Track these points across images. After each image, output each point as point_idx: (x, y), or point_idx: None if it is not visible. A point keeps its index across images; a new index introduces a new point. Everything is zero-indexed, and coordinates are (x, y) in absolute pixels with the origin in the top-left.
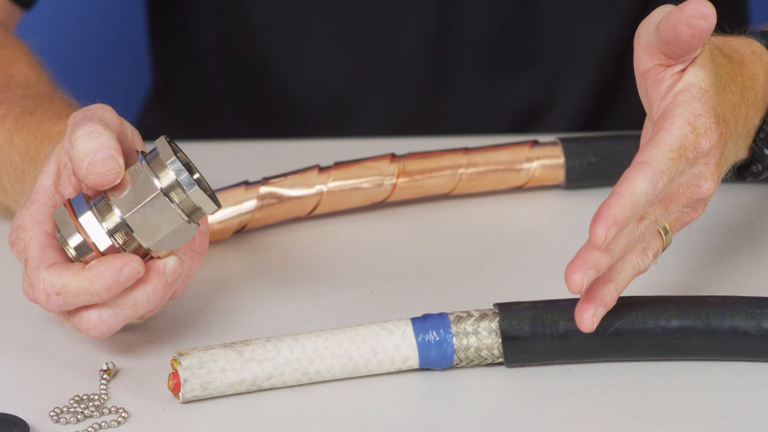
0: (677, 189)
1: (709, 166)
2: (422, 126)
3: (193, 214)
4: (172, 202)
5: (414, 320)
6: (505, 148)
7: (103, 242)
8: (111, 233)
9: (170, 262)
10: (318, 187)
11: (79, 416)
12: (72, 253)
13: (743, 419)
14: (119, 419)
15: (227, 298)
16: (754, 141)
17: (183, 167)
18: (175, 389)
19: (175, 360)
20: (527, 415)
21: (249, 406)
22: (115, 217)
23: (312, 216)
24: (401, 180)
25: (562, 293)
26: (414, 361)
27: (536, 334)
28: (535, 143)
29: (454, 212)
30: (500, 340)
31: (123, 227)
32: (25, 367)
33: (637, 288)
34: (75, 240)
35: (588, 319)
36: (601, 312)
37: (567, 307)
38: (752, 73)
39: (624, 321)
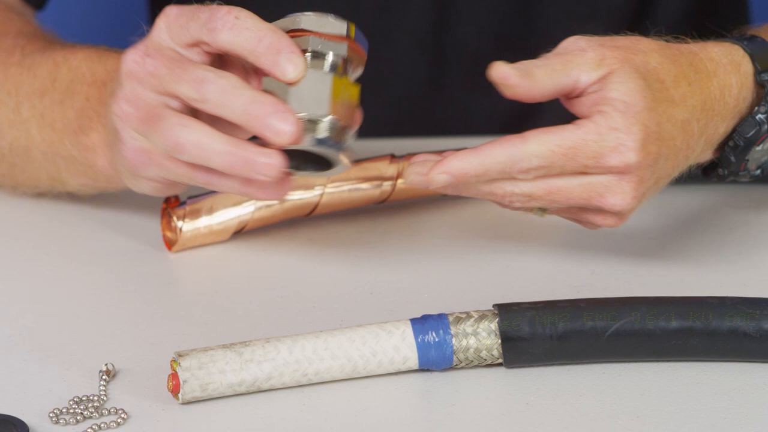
0: (575, 186)
1: (622, 184)
2: (422, 126)
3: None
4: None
5: (413, 321)
6: None
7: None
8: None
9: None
10: (318, 189)
11: (78, 417)
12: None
13: (743, 419)
14: (118, 420)
15: (227, 298)
16: (722, 147)
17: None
18: (175, 390)
19: (174, 361)
20: (526, 416)
21: (248, 408)
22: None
23: (312, 216)
24: (401, 181)
25: (562, 294)
26: (413, 362)
27: (535, 334)
28: None
29: (453, 212)
30: (500, 340)
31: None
32: (25, 367)
33: (636, 288)
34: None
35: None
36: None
37: (566, 308)
38: (724, 83)
39: (623, 322)
